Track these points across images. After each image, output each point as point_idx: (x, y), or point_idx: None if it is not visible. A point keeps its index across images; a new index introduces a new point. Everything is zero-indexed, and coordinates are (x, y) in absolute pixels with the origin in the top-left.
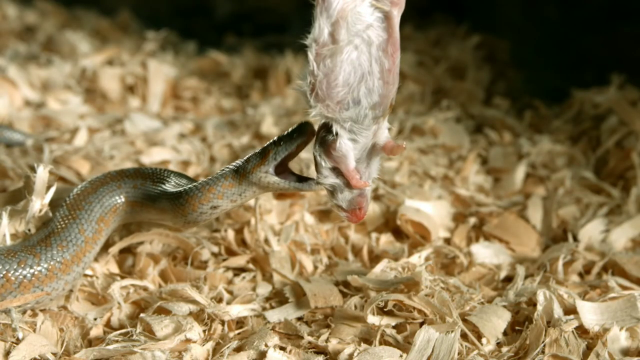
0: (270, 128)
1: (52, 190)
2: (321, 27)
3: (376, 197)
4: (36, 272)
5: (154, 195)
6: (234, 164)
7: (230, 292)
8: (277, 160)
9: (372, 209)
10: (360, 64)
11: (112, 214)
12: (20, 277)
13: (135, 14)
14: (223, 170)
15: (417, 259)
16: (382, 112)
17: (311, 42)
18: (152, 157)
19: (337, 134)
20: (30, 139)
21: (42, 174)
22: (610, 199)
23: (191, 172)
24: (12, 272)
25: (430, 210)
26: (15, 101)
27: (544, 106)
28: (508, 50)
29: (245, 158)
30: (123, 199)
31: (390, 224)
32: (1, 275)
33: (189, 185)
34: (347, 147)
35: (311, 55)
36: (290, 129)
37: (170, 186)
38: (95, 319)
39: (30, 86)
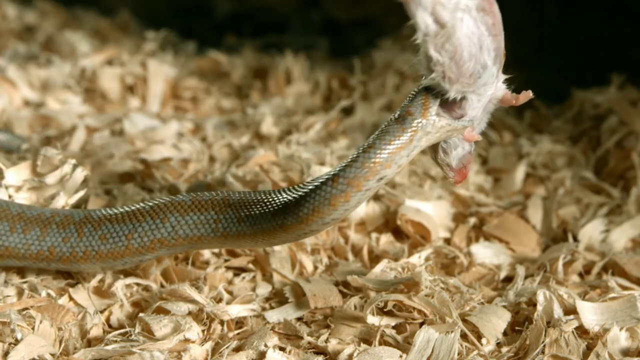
0: (270, 128)
1: (80, 194)
2: (424, 20)
3: (376, 197)
4: (74, 252)
5: (275, 215)
6: (385, 128)
7: (230, 292)
8: (437, 98)
9: (372, 209)
10: (473, 32)
11: (183, 241)
12: (60, 252)
13: (135, 14)
14: (374, 138)
15: (417, 259)
16: (500, 64)
17: (423, 37)
18: (152, 156)
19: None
20: (25, 143)
21: (78, 174)
22: (610, 199)
23: (191, 169)
24: (56, 245)
25: (430, 210)
26: (14, 101)
27: (544, 106)
28: (508, 50)
29: (397, 116)
30: (219, 234)
31: (390, 224)
32: (46, 247)
33: (337, 170)
34: (471, 104)
35: (431, 49)
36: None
37: (289, 197)
38: (95, 313)
39: (30, 86)
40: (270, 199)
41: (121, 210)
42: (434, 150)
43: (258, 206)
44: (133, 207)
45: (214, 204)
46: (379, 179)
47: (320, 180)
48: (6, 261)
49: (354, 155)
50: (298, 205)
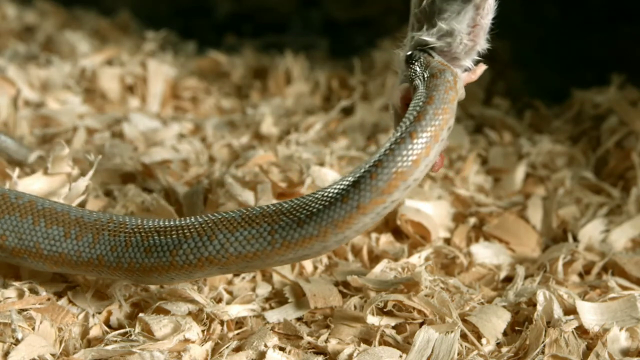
0: (270, 128)
1: (81, 199)
2: None
3: None
4: (119, 262)
5: (346, 199)
6: (429, 84)
7: (230, 293)
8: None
9: None
10: None
11: (236, 259)
12: (108, 262)
13: (135, 14)
14: (425, 91)
15: (417, 259)
16: None
17: None
18: (153, 157)
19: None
20: (32, 154)
21: (80, 185)
22: (610, 199)
23: (192, 171)
24: (104, 254)
25: (430, 211)
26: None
27: (544, 106)
28: (508, 50)
29: (428, 75)
30: (278, 245)
31: (390, 224)
32: (96, 256)
33: (408, 127)
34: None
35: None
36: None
37: (356, 177)
38: (93, 315)
39: (30, 86)
40: (332, 190)
41: (171, 222)
42: None
43: (319, 202)
44: (182, 221)
45: (265, 215)
46: (449, 128)
47: (390, 144)
48: (60, 268)
49: (417, 111)
50: (374, 176)
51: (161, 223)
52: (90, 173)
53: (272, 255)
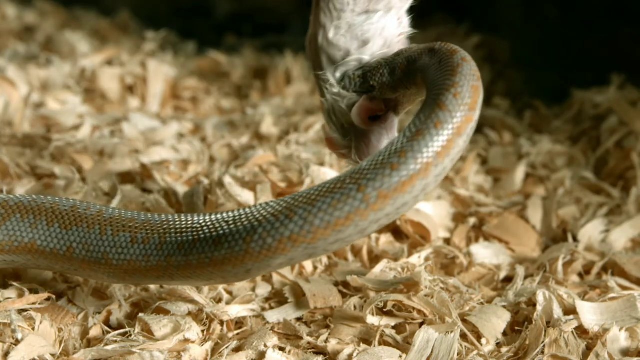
0: (270, 128)
1: None
2: None
3: None
4: (187, 260)
5: (431, 133)
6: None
7: (229, 293)
8: None
9: None
10: None
11: (324, 231)
12: (176, 262)
13: (135, 14)
14: (438, 44)
15: (417, 259)
16: None
17: None
18: (152, 158)
19: None
20: None
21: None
22: (610, 199)
23: (191, 171)
24: (172, 254)
25: (430, 211)
26: (14, 101)
27: (544, 106)
28: (508, 50)
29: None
30: (374, 197)
31: (390, 224)
32: (163, 258)
33: (454, 61)
34: None
35: None
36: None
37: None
38: (93, 315)
39: (30, 86)
40: (412, 128)
41: (240, 211)
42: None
43: (405, 145)
44: (252, 208)
45: (344, 180)
46: (480, 104)
47: (449, 74)
48: (132, 278)
49: (445, 50)
50: (458, 95)
51: (230, 214)
52: (117, 199)
53: (368, 213)
